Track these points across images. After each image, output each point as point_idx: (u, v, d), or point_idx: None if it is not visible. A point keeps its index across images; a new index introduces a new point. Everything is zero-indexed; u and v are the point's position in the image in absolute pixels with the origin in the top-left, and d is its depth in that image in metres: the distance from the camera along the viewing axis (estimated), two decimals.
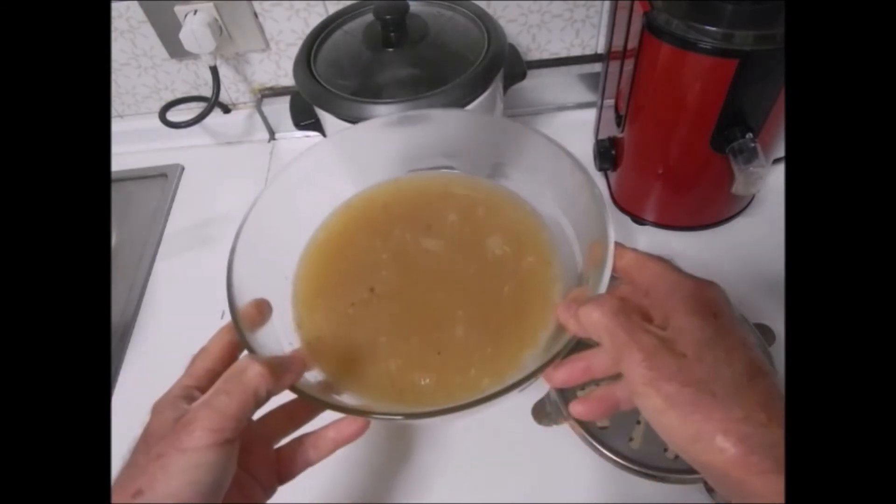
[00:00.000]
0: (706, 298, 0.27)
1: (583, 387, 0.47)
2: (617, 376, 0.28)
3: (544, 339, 0.33)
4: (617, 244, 0.30)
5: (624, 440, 0.44)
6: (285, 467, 0.32)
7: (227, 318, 0.31)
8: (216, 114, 0.75)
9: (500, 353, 0.33)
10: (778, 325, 0.50)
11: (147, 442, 0.26)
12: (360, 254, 0.39)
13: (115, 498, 0.24)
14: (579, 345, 0.29)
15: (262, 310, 0.33)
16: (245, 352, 0.30)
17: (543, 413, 0.48)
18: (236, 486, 0.28)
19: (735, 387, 0.24)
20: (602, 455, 0.44)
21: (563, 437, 0.46)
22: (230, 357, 0.31)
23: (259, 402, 0.27)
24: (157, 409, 0.28)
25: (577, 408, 0.30)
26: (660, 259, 0.29)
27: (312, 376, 0.33)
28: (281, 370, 0.28)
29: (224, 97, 0.76)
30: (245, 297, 0.32)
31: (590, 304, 0.27)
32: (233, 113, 0.77)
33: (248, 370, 0.27)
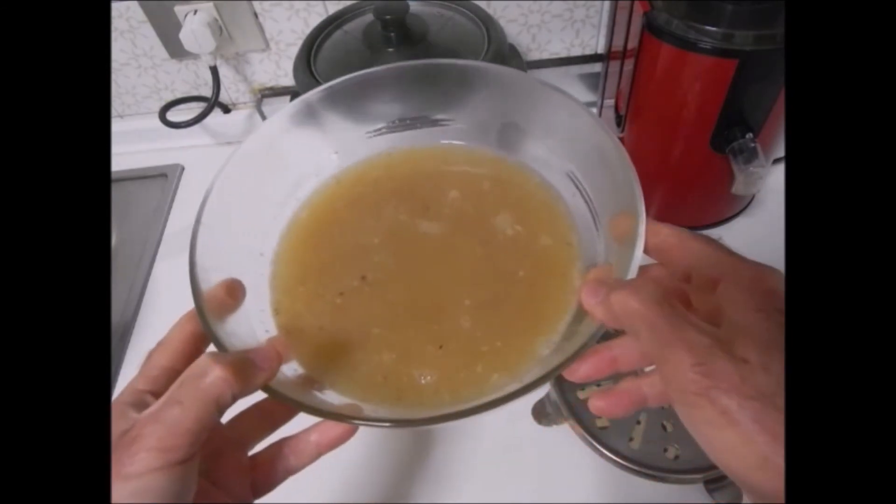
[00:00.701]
0: (768, 289, 0.22)
1: (582, 387, 0.47)
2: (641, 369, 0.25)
3: (563, 328, 0.29)
4: (649, 218, 0.26)
5: (624, 440, 0.44)
6: (262, 477, 0.28)
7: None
8: (216, 114, 0.75)
9: (510, 346, 0.30)
10: None
11: None
12: (348, 236, 0.35)
13: None
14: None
15: (234, 293, 0.28)
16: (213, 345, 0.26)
17: (543, 413, 0.48)
18: (203, 501, 0.24)
19: None
20: (602, 455, 0.44)
21: (563, 437, 0.46)
22: (194, 351, 0.26)
23: (222, 410, 0.23)
24: None
25: (597, 403, 0.26)
26: (706, 238, 0.25)
27: (291, 369, 0.29)
28: (250, 369, 0.24)
29: (224, 97, 0.76)
30: (213, 278, 0.27)
31: (624, 289, 0.23)
32: (233, 113, 0.77)
33: (208, 374, 0.22)
